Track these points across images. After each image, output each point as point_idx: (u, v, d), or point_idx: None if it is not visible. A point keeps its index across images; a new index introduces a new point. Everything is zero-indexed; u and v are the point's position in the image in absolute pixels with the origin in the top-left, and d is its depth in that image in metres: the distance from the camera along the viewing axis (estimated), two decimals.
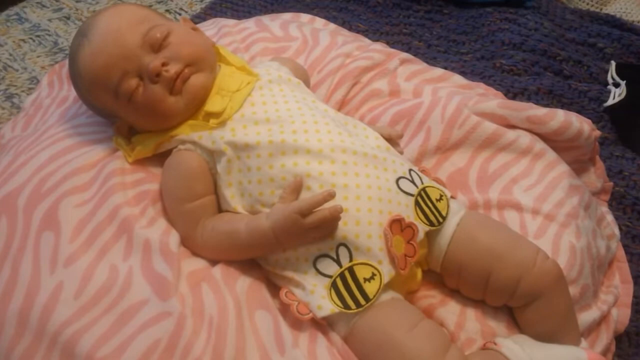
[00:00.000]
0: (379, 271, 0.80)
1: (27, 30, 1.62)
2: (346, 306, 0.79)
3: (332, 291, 0.80)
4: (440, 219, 0.86)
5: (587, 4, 1.80)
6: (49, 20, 1.66)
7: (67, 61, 0.98)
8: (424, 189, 0.87)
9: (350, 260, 0.81)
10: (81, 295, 0.77)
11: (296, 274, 0.82)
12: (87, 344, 0.73)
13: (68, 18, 1.67)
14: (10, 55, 1.54)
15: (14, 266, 0.81)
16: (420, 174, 0.90)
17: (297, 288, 0.82)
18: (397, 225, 0.82)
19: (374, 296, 0.79)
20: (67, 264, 0.80)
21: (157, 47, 0.87)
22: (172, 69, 0.86)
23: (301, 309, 0.80)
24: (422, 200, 0.86)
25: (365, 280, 0.80)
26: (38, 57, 1.54)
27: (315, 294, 0.80)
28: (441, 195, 0.88)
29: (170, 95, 0.86)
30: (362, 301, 0.79)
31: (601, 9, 1.78)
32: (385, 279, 0.80)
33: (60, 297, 0.77)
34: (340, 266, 0.81)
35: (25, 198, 0.86)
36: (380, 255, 0.81)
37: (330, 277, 0.81)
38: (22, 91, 1.42)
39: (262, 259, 0.86)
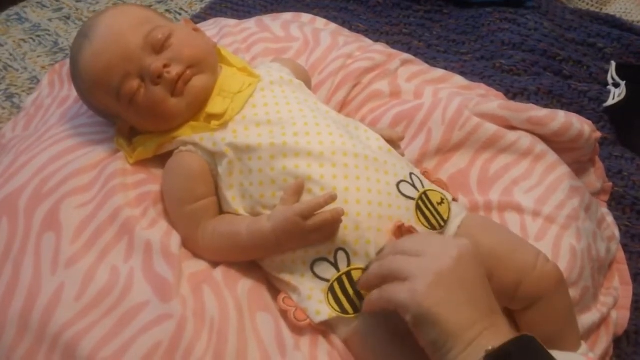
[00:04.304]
0: None
1: (28, 30, 1.62)
2: (344, 311, 0.79)
3: (330, 295, 0.80)
4: (442, 222, 0.86)
5: (587, 4, 1.79)
6: (49, 20, 1.66)
7: (67, 60, 0.98)
8: (424, 193, 0.87)
9: (348, 265, 0.81)
10: (82, 297, 0.77)
11: (293, 277, 0.82)
12: (88, 346, 0.73)
13: (68, 18, 1.67)
14: (11, 55, 1.54)
15: (15, 267, 0.81)
16: (421, 177, 0.90)
17: (294, 293, 0.82)
18: (398, 231, 0.81)
19: None
20: (68, 265, 0.80)
21: (158, 48, 0.87)
22: (174, 70, 0.85)
23: (298, 315, 0.80)
24: (423, 203, 0.86)
25: None
26: (38, 57, 1.54)
27: (313, 298, 0.80)
28: (442, 199, 0.88)
29: (171, 97, 0.86)
30: (360, 306, 0.79)
31: (601, 9, 1.77)
32: None
33: (62, 299, 0.77)
34: (338, 270, 0.81)
35: (26, 199, 0.86)
36: None
37: (327, 281, 0.81)
38: (23, 91, 1.42)
39: (262, 260, 0.86)
